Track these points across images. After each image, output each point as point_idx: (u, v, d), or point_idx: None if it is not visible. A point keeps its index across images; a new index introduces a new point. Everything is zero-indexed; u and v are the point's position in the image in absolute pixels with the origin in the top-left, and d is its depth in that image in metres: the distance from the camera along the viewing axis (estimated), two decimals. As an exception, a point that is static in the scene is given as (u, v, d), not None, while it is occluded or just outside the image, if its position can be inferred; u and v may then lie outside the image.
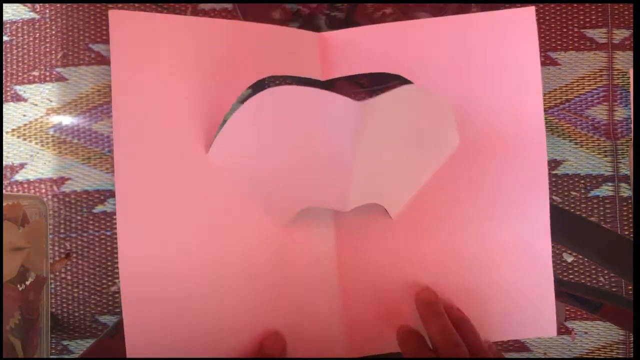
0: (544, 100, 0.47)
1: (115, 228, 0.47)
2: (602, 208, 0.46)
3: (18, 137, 0.47)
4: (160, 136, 0.32)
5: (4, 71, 0.48)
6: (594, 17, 0.47)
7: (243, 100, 0.31)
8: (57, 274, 0.46)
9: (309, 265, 0.35)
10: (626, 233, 0.45)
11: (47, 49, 0.48)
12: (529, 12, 0.33)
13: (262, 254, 0.34)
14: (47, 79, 0.48)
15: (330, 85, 0.39)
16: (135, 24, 0.32)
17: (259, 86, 0.33)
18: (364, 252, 0.35)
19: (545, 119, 0.47)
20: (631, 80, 0.46)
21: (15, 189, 0.47)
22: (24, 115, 0.48)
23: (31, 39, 0.48)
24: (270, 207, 0.33)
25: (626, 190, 0.46)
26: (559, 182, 0.47)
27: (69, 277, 0.46)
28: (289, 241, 0.34)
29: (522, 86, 0.33)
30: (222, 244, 0.34)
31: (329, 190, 0.33)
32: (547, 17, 0.47)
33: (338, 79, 0.36)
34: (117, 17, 0.32)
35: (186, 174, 0.32)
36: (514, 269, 0.34)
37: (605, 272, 0.45)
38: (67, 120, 0.47)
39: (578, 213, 0.46)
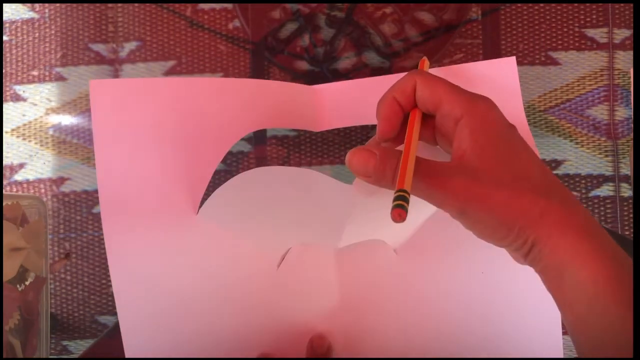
0: (545, 100, 0.47)
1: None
2: (602, 208, 0.46)
3: (17, 137, 0.47)
4: (147, 196, 0.32)
5: (3, 71, 0.48)
6: (594, 16, 0.47)
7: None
8: (57, 274, 0.46)
9: (309, 291, 0.35)
10: (626, 233, 0.45)
11: (47, 49, 0.48)
12: (510, 62, 0.33)
13: (259, 277, 0.34)
14: (47, 78, 0.47)
15: (323, 136, 0.39)
16: (115, 91, 0.32)
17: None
18: (365, 277, 0.35)
19: (546, 119, 0.47)
20: (631, 80, 0.45)
21: (15, 189, 0.47)
22: (24, 115, 0.47)
23: (30, 38, 0.48)
24: (260, 249, 0.33)
25: (627, 190, 0.46)
26: (559, 182, 0.47)
27: (68, 277, 0.46)
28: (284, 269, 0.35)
29: None
30: (219, 267, 0.34)
31: (321, 232, 0.33)
32: (547, 17, 0.47)
33: (331, 130, 0.36)
34: (97, 86, 0.31)
35: (174, 231, 0.32)
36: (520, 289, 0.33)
37: (606, 272, 0.45)
38: (66, 120, 0.47)
39: (578, 213, 0.46)
